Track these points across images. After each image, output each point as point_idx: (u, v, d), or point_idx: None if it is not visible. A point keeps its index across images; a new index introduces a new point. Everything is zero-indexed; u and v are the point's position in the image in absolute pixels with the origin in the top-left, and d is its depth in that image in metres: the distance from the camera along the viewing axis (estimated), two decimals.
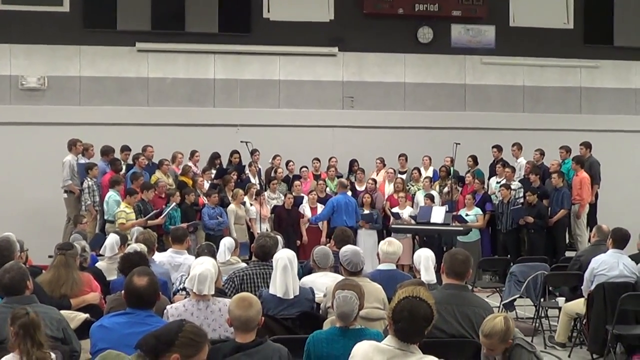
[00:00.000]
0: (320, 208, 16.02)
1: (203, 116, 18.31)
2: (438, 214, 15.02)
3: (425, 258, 7.52)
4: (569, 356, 9.78)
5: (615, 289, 9.07)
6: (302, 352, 5.51)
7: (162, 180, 15.20)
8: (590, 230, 12.69)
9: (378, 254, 8.09)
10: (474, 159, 17.19)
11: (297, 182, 16.60)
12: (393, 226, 15.55)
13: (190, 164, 16.46)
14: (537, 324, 10.86)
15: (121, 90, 18.32)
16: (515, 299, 11.28)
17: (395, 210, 15.99)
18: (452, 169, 16.86)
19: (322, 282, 7.53)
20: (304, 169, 17.30)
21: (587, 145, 16.44)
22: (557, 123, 19.02)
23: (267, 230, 14.38)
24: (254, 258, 8.35)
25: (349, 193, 16.49)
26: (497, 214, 15.62)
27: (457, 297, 6.04)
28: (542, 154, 16.78)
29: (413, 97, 19.38)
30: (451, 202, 16.06)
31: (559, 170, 15.73)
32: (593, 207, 16.10)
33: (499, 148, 17.15)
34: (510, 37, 19.57)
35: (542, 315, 10.98)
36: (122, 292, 5.74)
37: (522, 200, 15.49)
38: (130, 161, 16.02)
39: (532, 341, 5.99)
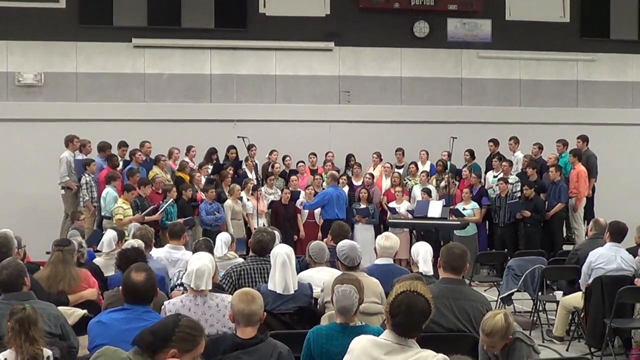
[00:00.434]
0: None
1: (200, 111, 18.29)
2: (435, 208, 15.01)
3: (424, 250, 7.51)
4: (567, 350, 9.79)
5: (612, 282, 9.07)
6: (299, 347, 5.50)
7: (159, 176, 15.19)
8: (588, 224, 12.70)
9: (375, 249, 8.08)
10: (471, 153, 17.19)
11: (293, 177, 16.60)
12: (390, 220, 15.55)
13: (186, 159, 16.44)
14: (534, 318, 10.88)
15: (118, 86, 18.30)
16: (512, 293, 11.29)
17: (392, 204, 15.99)
18: (449, 163, 16.87)
19: (319, 277, 7.53)
20: (300, 163, 17.30)
21: (584, 139, 16.44)
22: (553, 116, 19.03)
23: (264, 225, 14.37)
24: (251, 253, 8.35)
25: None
26: (495, 208, 15.62)
27: (455, 291, 6.05)
28: (541, 148, 16.77)
29: (409, 91, 19.38)
30: (448, 196, 16.07)
31: (556, 164, 15.72)
32: (590, 200, 16.10)
33: (495, 142, 17.15)
34: (506, 30, 19.55)
35: (540, 309, 10.99)
36: (120, 288, 5.74)
37: (519, 194, 15.51)
38: (127, 157, 16.00)
39: (530, 335, 5.96)
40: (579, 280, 9.86)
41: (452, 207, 15.40)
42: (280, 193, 16.06)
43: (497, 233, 15.68)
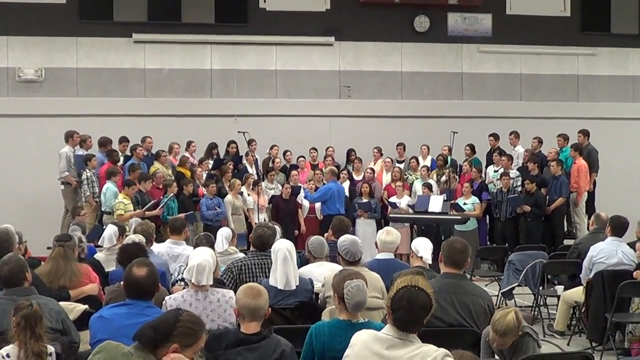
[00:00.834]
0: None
1: (200, 107, 18.29)
2: (436, 203, 15.00)
3: (425, 242, 7.49)
4: (568, 344, 9.80)
5: (614, 276, 9.09)
6: (300, 342, 5.49)
7: (160, 171, 15.19)
8: (589, 218, 12.70)
9: (376, 243, 8.07)
10: (472, 148, 17.18)
11: (294, 172, 16.60)
12: (391, 215, 15.54)
13: (187, 154, 16.44)
14: (536, 313, 10.88)
15: (118, 81, 18.30)
16: (513, 288, 11.30)
17: (392, 199, 15.99)
18: (449, 157, 16.87)
19: (320, 272, 7.53)
20: (301, 158, 17.30)
21: (585, 133, 16.42)
22: (554, 111, 19.02)
23: (264, 220, 14.37)
24: (252, 248, 8.34)
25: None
26: (496, 203, 15.62)
27: (456, 286, 6.04)
28: (540, 142, 16.77)
29: (410, 86, 19.37)
30: (449, 191, 16.06)
31: (558, 159, 15.72)
32: (591, 195, 16.11)
33: (495, 136, 17.15)
34: (507, 25, 19.54)
35: (541, 303, 11.02)
36: (121, 283, 5.74)
37: (520, 188, 15.51)
38: (128, 152, 16.00)
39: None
40: (580, 275, 9.87)
41: (452, 201, 15.39)
42: (280, 188, 16.06)
43: (498, 228, 15.68)
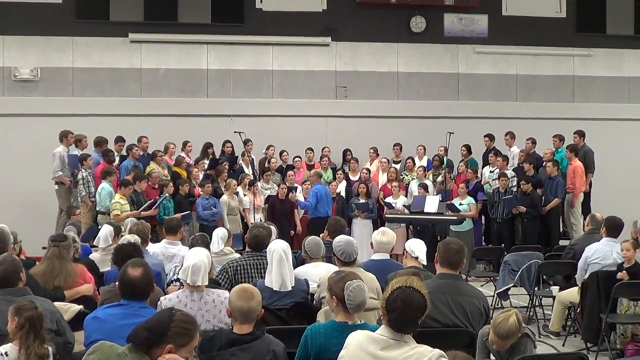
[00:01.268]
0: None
1: (196, 107, 18.29)
2: (432, 204, 15.02)
3: (419, 242, 7.49)
4: (563, 345, 9.80)
5: (609, 277, 9.10)
6: (295, 343, 5.49)
7: (156, 171, 15.19)
8: (584, 219, 12.71)
9: (372, 244, 8.06)
10: (468, 148, 17.20)
11: (290, 172, 16.59)
12: (387, 216, 15.56)
13: (183, 154, 16.44)
14: (531, 313, 10.89)
15: (114, 81, 18.29)
16: (509, 288, 11.30)
17: (388, 200, 16.00)
18: (445, 158, 16.88)
19: (316, 273, 7.52)
20: (297, 159, 17.29)
21: (580, 134, 16.44)
22: (550, 112, 19.05)
23: (260, 220, 14.36)
24: (247, 249, 8.34)
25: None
26: (492, 203, 15.63)
27: (451, 287, 6.03)
28: (534, 142, 16.79)
29: (406, 86, 19.39)
30: (445, 192, 16.07)
31: (554, 159, 15.73)
32: (587, 195, 16.12)
33: (490, 137, 17.16)
34: (503, 26, 19.57)
35: (536, 304, 11.03)
36: (116, 283, 5.74)
37: (516, 189, 15.52)
38: (124, 152, 16.00)
39: None
40: (575, 276, 9.88)
41: (448, 202, 15.40)
42: (276, 188, 16.05)
43: (494, 228, 15.69)
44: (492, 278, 12.88)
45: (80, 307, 6.80)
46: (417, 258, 7.25)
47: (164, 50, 18.59)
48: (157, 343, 4.28)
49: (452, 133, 16.21)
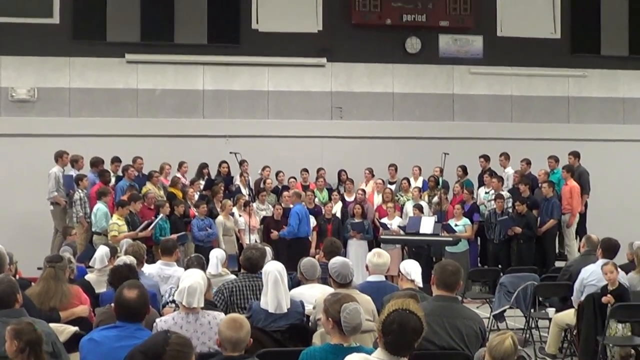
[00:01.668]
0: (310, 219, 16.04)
1: (192, 127, 18.29)
2: (427, 225, 15.01)
3: (415, 264, 7.49)
4: None
5: None
6: None
7: (152, 192, 15.18)
8: (580, 240, 12.71)
9: (367, 266, 8.05)
10: (464, 169, 17.21)
11: (286, 193, 16.55)
12: (382, 237, 15.54)
13: (178, 175, 16.44)
14: (527, 335, 10.87)
15: (110, 101, 18.31)
16: (505, 310, 11.28)
17: (384, 220, 15.99)
18: (441, 179, 16.88)
19: (311, 294, 7.52)
20: (291, 179, 17.26)
21: (575, 155, 16.48)
22: (545, 132, 19.08)
23: (255, 241, 14.36)
24: (242, 270, 8.34)
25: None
26: (489, 224, 15.63)
27: (448, 309, 6.03)
28: (529, 163, 16.80)
29: (401, 107, 19.42)
30: (440, 212, 16.07)
31: (549, 180, 15.75)
32: (582, 217, 16.13)
33: (486, 158, 17.15)
34: (498, 47, 19.64)
35: (533, 326, 11.00)
36: (112, 305, 5.73)
37: (511, 210, 15.52)
38: (120, 173, 15.99)
39: None
40: (572, 297, 9.87)
41: (443, 223, 15.40)
42: (272, 209, 16.05)
43: (490, 250, 15.67)
44: (487, 300, 12.85)
45: (76, 328, 6.77)
46: (413, 281, 7.26)
47: (160, 70, 18.62)
48: None
49: (448, 154, 16.23)
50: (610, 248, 9.75)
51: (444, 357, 5.87)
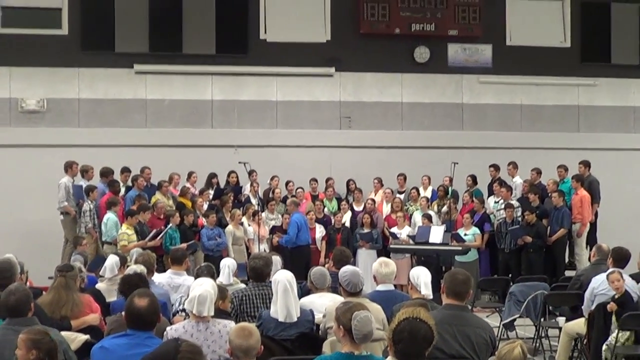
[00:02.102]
0: (318, 228, 16.02)
1: (201, 137, 18.31)
2: (436, 234, 15.00)
3: (424, 274, 7.48)
4: None
5: None
6: None
7: (161, 202, 15.21)
8: (590, 250, 12.67)
9: (374, 276, 8.02)
10: (473, 179, 17.18)
11: (288, 202, 16.51)
12: (392, 246, 15.53)
13: (188, 184, 16.45)
14: (537, 344, 10.85)
15: (119, 112, 18.34)
16: (515, 319, 11.26)
17: (393, 230, 15.98)
18: (450, 188, 16.86)
19: (321, 303, 7.52)
20: (299, 189, 17.23)
21: (585, 164, 16.46)
22: (555, 142, 19.05)
23: (265, 250, 14.36)
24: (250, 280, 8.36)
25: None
26: (499, 234, 15.61)
27: (458, 318, 6.02)
28: (539, 173, 16.79)
29: (410, 116, 19.41)
30: (450, 222, 16.06)
31: (559, 189, 15.74)
32: (593, 226, 16.10)
33: (496, 167, 17.14)
34: (507, 55, 19.61)
35: (543, 335, 10.99)
36: (123, 313, 5.74)
37: (520, 219, 15.50)
38: (129, 183, 16.02)
39: None
40: (582, 307, 9.83)
41: (453, 232, 15.38)
42: (281, 218, 16.05)
43: (501, 259, 15.65)
44: (497, 309, 12.82)
45: (87, 336, 6.81)
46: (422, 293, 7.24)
47: (168, 81, 18.66)
48: None
49: (457, 163, 16.23)
50: (621, 257, 9.72)
51: None
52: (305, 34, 19.00)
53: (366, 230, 15.87)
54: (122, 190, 15.74)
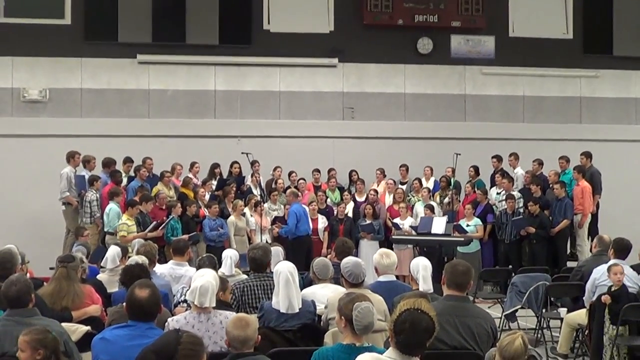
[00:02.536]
0: (320, 219, 16.02)
1: (204, 128, 18.31)
2: (439, 225, 14.99)
3: (423, 267, 7.47)
4: None
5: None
6: None
7: (163, 192, 15.21)
8: (592, 241, 12.67)
9: (376, 268, 8.02)
10: (476, 170, 17.17)
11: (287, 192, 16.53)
12: (394, 237, 15.54)
13: (190, 175, 16.45)
14: (539, 335, 10.86)
15: (122, 102, 18.35)
16: (516, 310, 11.26)
17: (396, 221, 15.98)
18: (452, 179, 16.86)
19: (323, 294, 7.53)
20: (301, 181, 17.26)
21: (587, 155, 16.44)
22: (557, 133, 19.04)
23: (267, 241, 14.36)
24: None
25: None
26: (500, 224, 15.62)
27: (459, 308, 6.02)
28: (541, 163, 16.80)
29: (413, 107, 19.40)
30: (452, 213, 16.05)
31: (561, 181, 15.73)
32: (594, 217, 16.10)
33: (498, 158, 17.13)
34: (509, 47, 19.60)
35: (544, 326, 10.98)
36: (124, 304, 5.75)
37: (522, 210, 15.50)
38: (132, 173, 16.03)
39: None
40: (583, 297, 9.84)
41: (455, 223, 15.38)
42: (283, 209, 16.05)
43: (501, 250, 15.66)
44: (499, 300, 12.83)
45: (88, 328, 6.81)
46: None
47: (171, 71, 18.65)
48: None
49: (459, 154, 16.23)
50: (622, 248, 9.72)
51: (455, 357, 5.86)
52: (309, 25, 18.99)
53: (367, 222, 15.86)
54: (125, 180, 15.74)
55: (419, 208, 16.33)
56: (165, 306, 6.63)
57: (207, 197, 15.81)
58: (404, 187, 17.25)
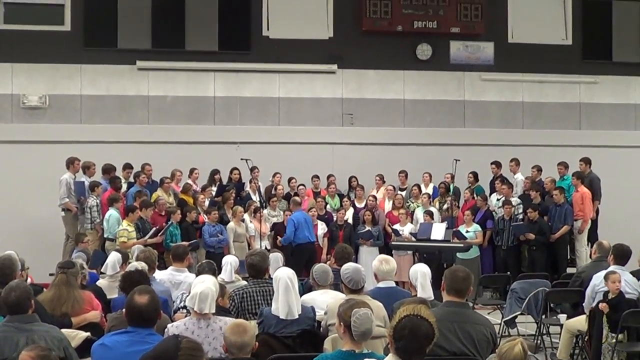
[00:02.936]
0: (320, 225, 16.02)
1: (203, 134, 18.31)
2: (438, 231, 15.00)
3: (422, 274, 7.49)
4: None
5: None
6: None
7: (162, 198, 15.21)
8: (591, 247, 12.68)
9: (375, 274, 8.02)
10: (475, 176, 17.18)
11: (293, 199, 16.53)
12: (393, 243, 15.54)
13: (189, 181, 16.45)
14: (538, 341, 10.85)
15: (122, 108, 18.34)
16: (516, 316, 11.26)
17: (395, 227, 15.98)
18: (451, 185, 16.86)
19: (323, 300, 7.53)
20: (301, 187, 17.25)
21: (586, 161, 16.44)
22: (556, 139, 19.03)
23: (266, 247, 14.35)
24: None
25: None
26: (498, 230, 15.62)
27: (458, 315, 6.03)
28: (540, 170, 16.82)
29: (412, 113, 19.40)
30: (451, 219, 16.05)
31: (560, 187, 15.74)
32: (594, 223, 16.10)
33: (497, 164, 17.15)
34: (509, 53, 19.61)
35: (544, 332, 10.98)
36: (123, 310, 5.75)
37: (521, 216, 15.50)
38: (131, 179, 16.03)
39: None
40: (583, 304, 9.84)
41: (454, 229, 15.38)
42: (282, 215, 16.05)
43: (499, 255, 15.66)
44: (499, 306, 12.83)
45: (88, 334, 6.81)
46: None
47: (171, 77, 18.66)
48: None
49: (459, 160, 16.23)
50: (621, 254, 9.72)
51: None
52: (308, 31, 19.00)
53: (365, 229, 15.85)
54: (124, 186, 15.75)
55: (419, 214, 16.34)
56: (164, 312, 6.63)
57: (207, 203, 15.81)
58: (404, 193, 17.25)
